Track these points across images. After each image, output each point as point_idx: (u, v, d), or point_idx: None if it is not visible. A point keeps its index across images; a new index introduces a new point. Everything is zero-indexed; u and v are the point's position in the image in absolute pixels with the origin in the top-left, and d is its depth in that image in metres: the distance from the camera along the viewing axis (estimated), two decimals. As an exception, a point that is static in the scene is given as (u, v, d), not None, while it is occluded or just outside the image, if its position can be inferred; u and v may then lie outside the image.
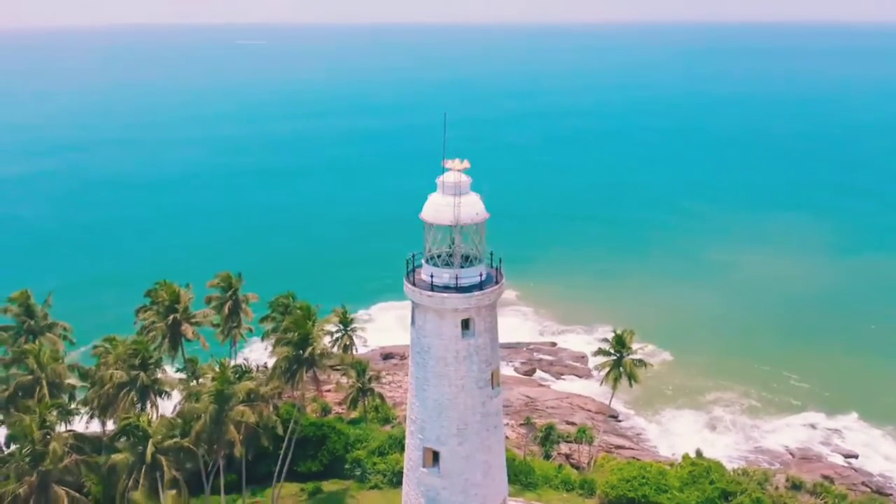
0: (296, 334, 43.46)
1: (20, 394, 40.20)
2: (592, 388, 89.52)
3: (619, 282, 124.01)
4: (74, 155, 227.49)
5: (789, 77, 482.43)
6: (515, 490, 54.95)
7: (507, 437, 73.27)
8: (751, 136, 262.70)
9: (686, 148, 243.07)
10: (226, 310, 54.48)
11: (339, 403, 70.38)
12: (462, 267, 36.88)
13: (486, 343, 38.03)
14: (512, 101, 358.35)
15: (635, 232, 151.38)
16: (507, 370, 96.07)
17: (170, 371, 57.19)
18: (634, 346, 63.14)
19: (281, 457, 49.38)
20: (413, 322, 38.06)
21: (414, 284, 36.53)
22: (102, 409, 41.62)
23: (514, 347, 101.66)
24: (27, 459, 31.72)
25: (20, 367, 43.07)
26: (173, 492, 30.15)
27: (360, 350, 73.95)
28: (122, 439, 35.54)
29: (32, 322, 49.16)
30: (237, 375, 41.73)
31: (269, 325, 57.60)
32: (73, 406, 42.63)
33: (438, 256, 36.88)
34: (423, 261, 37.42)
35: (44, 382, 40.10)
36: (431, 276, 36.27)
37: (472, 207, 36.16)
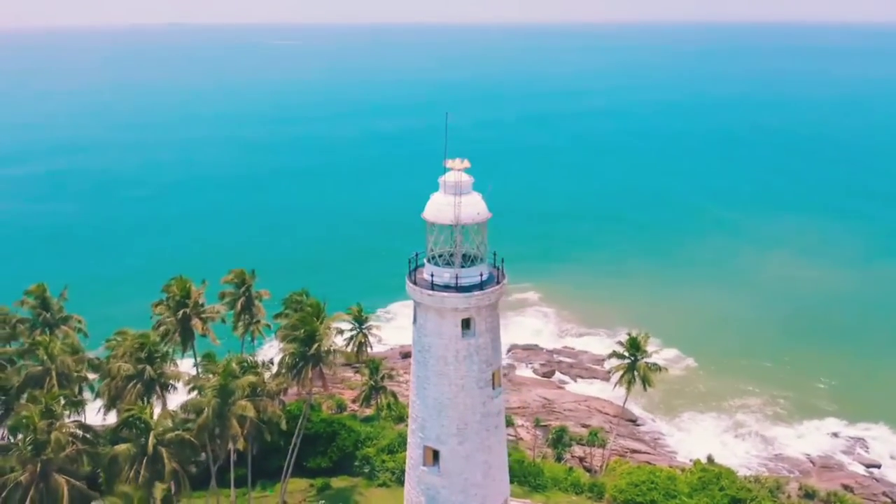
0: (302, 331, 43.92)
1: (30, 384, 41.32)
2: (611, 392, 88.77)
3: (643, 285, 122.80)
4: (96, 154, 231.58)
5: (810, 78, 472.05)
6: (523, 492, 54.83)
7: (521, 439, 73.20)
8: (772, 138, 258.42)
9: (707, 150, 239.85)
10: (238, 306, 55.34)
11: (354, 400, 70.94)
12: (464, 266, 36.93)
13: (487, 343, 37.94)
14: (537, 102, 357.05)
15: (661, 235, 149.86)
16: (525, 371, 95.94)
17: (187, 365, 58.33)
18: (652, 350, 62.64)
19: (290, 452, 49.92)
20: (415, 321, 38.21)
21: (415, 283, 36.69)
22: (112, 402, 42.64)
23: (533, 349, 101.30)
24: (29, 448, 32.70)
25: (32, 359, 44.30)
26: (164, 485, 30.44)
27: (377, 348, 74.48)
28: (124, 431, 36.32)
29: (48, 315, 50.62)
30: (243, 371, 42.26)
31: (283, 322, 58.27)
32: (82, 397, 43.58)
33: (440, 256, 36.95)
34: (425, 260, 37.55)
35: (53, 373, 41.22)
36: (432, 276, 36.39)
37: (474, 207, 36.07)
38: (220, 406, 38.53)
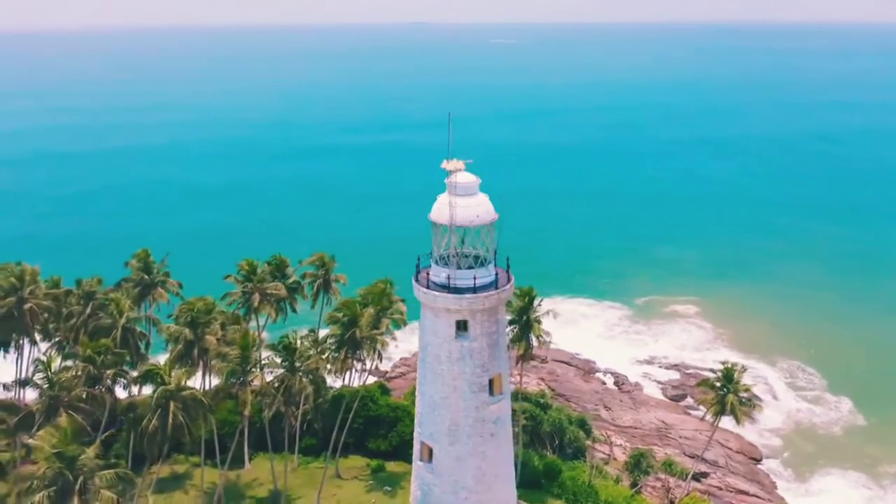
0: (343, 315, 46.04)
1: (100, 335, 47.80)
2: (745, 427, 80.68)
3: (826, 315, 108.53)
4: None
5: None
6: (569, 509, 52.73)
7: (614, 458, 69.90)
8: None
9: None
10: (315, 287, 59.02)
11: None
12: (471, 267, 36.77)
13: (483, 347, 37.34)
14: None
15: (862, 258, 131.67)
16: (654, 391, 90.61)
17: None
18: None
19: (343, 430, 52.52)
20: (420, 318, 38.83)
21: (416, 281, 37.23)
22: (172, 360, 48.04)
23: (669, 367, 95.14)
24: (43, 384, 38.60)
25: (106, 313, 51.09)
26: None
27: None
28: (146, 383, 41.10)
29: (148, 277, 57.85)
30: (282, 345, 45.32)
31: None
32: (124, 350, 48.92)
33: (441, 257, 37.07)
34: (432, 260, 37.81)
35: (119, 327, 47.46)
36: (428, 274, 36.74)
37: (473, 209, 35.57)
38: (236, 374, 42.00)
